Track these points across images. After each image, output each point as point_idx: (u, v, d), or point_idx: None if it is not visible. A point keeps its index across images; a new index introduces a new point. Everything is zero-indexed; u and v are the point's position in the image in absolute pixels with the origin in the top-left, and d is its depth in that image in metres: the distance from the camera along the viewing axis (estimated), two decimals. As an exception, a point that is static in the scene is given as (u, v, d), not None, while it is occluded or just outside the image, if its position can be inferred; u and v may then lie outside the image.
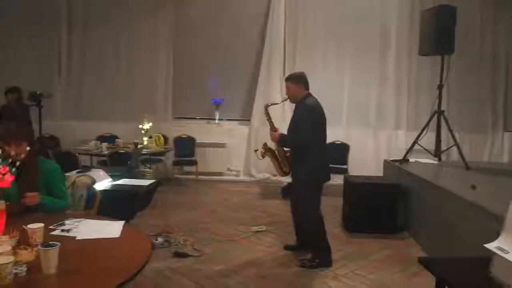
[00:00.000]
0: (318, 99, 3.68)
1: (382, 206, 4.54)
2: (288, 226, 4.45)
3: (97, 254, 1.95)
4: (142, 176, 3.96)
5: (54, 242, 1.71)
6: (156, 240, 3.98)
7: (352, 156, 6.68)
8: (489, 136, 7.09)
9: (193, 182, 6.92)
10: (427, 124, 5.25)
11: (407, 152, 5.40)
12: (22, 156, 2.50)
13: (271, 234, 4.48)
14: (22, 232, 1.94)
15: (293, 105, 3.82)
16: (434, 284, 2.36)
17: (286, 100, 3.97)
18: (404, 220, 4.62)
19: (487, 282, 1.80)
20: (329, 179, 3.79)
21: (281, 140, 3.78)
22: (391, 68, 7.09)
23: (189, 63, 7.47)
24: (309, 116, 3.56)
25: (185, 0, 7.39)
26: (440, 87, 5.22)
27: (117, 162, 5.17)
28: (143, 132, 6.30)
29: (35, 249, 1.80)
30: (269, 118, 3.96)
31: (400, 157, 5.44)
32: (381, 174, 5.70)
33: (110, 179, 3.53)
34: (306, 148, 3.56)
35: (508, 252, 1.69)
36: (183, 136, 7.14)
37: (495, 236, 1.86)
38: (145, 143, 6.24)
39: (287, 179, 4.29)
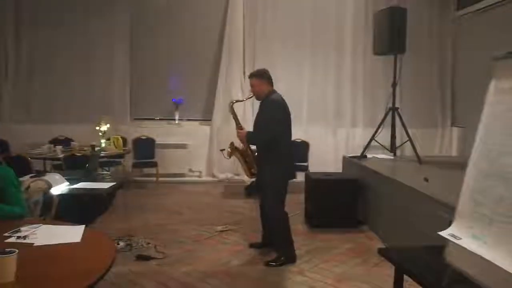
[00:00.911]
0: (279, 98, 3.71)
1: (342, 201, 4.67)
2: (253, 225, 4.48)
3: (57, 260, 1.88)
4: (101, 179, 3.83)
5: (11, 249, 1.63)
6: (118, 244, 3.88)
7: (312, 154, 6.83)
8: (439, 131, 7.47)
9: (154, 184, 6.80)
10: (383, 120, 5.46)
11: (364, 149, 5.59)
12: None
13: (236, 233, 4.49)
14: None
15: (254, 102, 3.81)
16: (393, 272, 2.47)
17: (251, 97, 3.94)
18: (364, 214, 4.78)
19: (442, 267, 1.91)
20: (295, 177, 3.80)
21: (248, 138, 3.74)
22: (347, 67, 7.30)
23: (147, 62, 7.33)
24: (277, 113, 3.55)
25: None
26: (393, 85, 5.45)
27: (73, 166, 4.98)
28: (100, 134, 6.11)
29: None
30: (234, 116, 3.91)
31: (358, 153, 5.62)
32: (341, 170, 5.86)
33: (67, 183, 3.41)
34: (274, 145, 3.54)
35: (461, 239, 1.80)
36: (143, 137, 6.99)
37: (447, 224, 1.97)
38: (103, 145, 6.06)
39: (251, 178, 4.30)
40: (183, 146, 7.21)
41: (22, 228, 2.21)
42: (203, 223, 4.78)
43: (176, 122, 7.33)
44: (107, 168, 6.32)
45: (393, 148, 5.62)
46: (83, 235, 2.15)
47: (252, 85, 3.71)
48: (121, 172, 6.73)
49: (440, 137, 7.47)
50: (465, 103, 7.03)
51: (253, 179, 4.15)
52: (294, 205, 5.14)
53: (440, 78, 7.43)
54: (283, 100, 3.64)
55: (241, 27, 7.22)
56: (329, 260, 3.76)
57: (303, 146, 6.77)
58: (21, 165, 4.54)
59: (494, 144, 1.76)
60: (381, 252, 2.58)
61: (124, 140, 6.59)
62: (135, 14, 7.29)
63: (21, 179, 3.02)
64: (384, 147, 5.61)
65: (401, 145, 5.87)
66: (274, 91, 3.68)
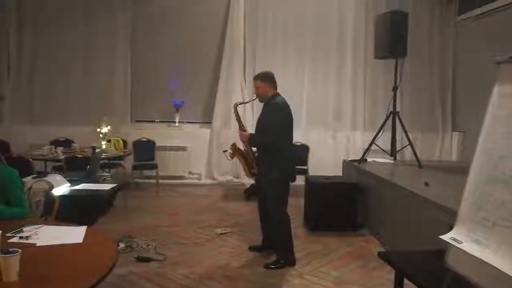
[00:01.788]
0: (280, 101, 3.71)
1: (342, 205, 4.67)
2: (252, 227, 4.48)
3: (60, 261, 1.89)
4: (102, 181, 3.84)
5: (15, 249, 1.64)
6: (118, 245, 3.87)
7: (312, 157, 6.83)
8: (439, 136, 7.47)
9: (154, 186, 6.80)
10: (383, 124, 5.47)
11: (365, 152, 5.60)
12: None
13: (235, 235, 4.49)
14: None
15: (255, 104, 3.81)
16: (393, 276, 2.47)
17: (254, 99, 3.94)
18: (363, 217, 4.78)
19: (442, 271, 1.91)
20: (295, 179, 3.82)
21: (250, 140, 3.74)
22: (348, 70, 7.32)
23: (148, 64, 7.35)
24: (280, 116, 3.56)
25: (144, -2, 7.28)
26: (394, 89, 5.46)
27: (74, 167, 4.99)
28: (101, 136, 6.12)
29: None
30: (238, 118, 3.91)
31: (358, 157, 5.63)
32: (341, 174, 5.87)
33: (68, 184, 3.42)
34: (276, 148, 3.55)
35: (462, 243, 1.80)
36: (143, 139, 6.99)
37: (448, 229, 1.97)
38: (104, 147, 6.06)
39: (250, 181, 4.30)
40: (183, 149, 7.22)
41: (24, 229, 2.22)
42: (203, 226, 4.78)
43: (177, 124, 7.34)
44: (107, 170, 6.32)
45: (393, 152, 5.62)
46: (85, 236, 2.16)
47: (256, 87, 3.70)
48: (122, 174, 6.73)
49: (440, 142, 7.47)
50: (466, 107, 7.05)
51: (253, 182, 4.14)
52: (293, 208, 5.12)
53: (440, 82, 7.45)
54: (287, 104, 3.65)
55: (242, 30, 7.25)
56: (328, 264, 3.76)
57: (303, 150, 6.78)
58: (23, 166, 4.53)
59: (495, 148, 1.77)
60: (381, 255, 2.59)
61: (125, 142, 6.60)
62: (136, 15, 7.31)
63: (23, 180, 3.03)
64: (384, 151, 5.61)
65: (402, 149, 5.88)
66: (278, 94, 3.69)
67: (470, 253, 1.72)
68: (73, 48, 7.18)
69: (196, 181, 7.28)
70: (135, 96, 7.37)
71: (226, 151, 3.98)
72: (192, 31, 7.32)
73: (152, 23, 7.30)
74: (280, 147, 3.56)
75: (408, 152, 5.85)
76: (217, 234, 4.50)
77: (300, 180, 5.71)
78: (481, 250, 1.69)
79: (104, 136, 6.14)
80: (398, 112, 5.51)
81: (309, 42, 7.28)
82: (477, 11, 6.58)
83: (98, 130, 6.12)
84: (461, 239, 1.82)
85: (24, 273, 1.64)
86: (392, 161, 5.65)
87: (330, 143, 7.33)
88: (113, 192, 3.62)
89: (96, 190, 3.42)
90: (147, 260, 3.68)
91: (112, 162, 6.49)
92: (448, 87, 7.47)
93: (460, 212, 1.91)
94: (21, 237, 2.10)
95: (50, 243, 2.05)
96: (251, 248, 4.03)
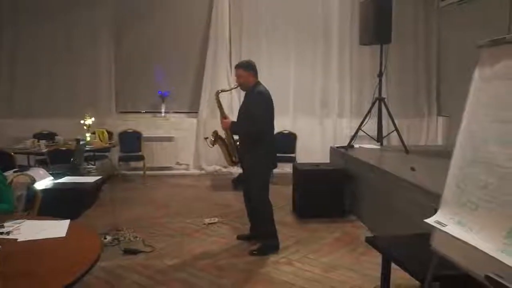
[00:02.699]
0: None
1: (330, 192, 4.69)
2: (241, 217, 4.48)
3: (42, 255, 1.85)
4: (87, 173, 3.79)
5: (-6, 245, 1.60)
6: (105, 238, 3.84)
7: (299, 145, 6.83)
8: (425, 121, 7.53)
9: (141, 177, 6.74)
10: (369, 111, 5.48)
11: (351, 139, 5.62)
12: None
13: (224, 225, 4.48)
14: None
15: (241, 93, 3.82)
16: (381, 261, 2.50)
17: (236, 87, 3.97)
18: (351, 203, 4.81)
19: (428, 254, 1.93)
20: (276, 166, 3.90)
21: (233, 128, 3.77)
22: (334, 57, 7.29)
23: (132, 53, 7.22)
24: (263, 104, 3.59)
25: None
26: (380, 75, 5.47)
27: (58, 160, 4.91)
28: (85, 128, 6.02)
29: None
30: (220, 105, 3.93)
31: (345, 143, 5.64)
32: (328, 161, 5.89)
33: (52, 178, 3.35)
34: (259, 136, 3.59)
35: (446, 225, 1.82)
36: (129, 130, 6.91)
37: (433, 212, 1.98)
38: (88, 139, 5.97)
39: (238, 170, 4.29)
40: (170, 139, 7.15)
41: (5, 224, 2.17)
42: (191, 216, 4.76)
43: (163, 114, 7.26)
44: (92, 162, 6.24)
45: (380, 138, 5.65)
46: (68, 229, 2.12)
47: (238, 76, 3.73)
48: (108, 166, 6.65)
49: (426, 127, 7.53)
50: (450, 92, 7.11)
51: (241, 171, 4.14)
52: (281, 196, 5.16)
53: (425, 68, 7.48)
54: (269, 93, 3.67)
55: (227, 18, 7.15)
56: (317, 250, 3.78)
57: (291, 137, 6.77)
58: (4, 160, 4.46)
59: (477, 131, 1.78)
60: (368, 240, 2.62)
61: (110, 134, 6.51)
62: (120, 4, 7.15)
63: (4, 174, 2.97)
64: (371, 137, 5.64)
65: (388, 135, 5.91)
66: (259, 83, 3.72)
67: (454, 235, 1.73)
68: (54, 38, 7.01)
69: (183, 171, 7.24)
70: (119, 87, 7.25)
71: (208, 138, 3.99)
72: (177, 19, 7.20)
73: (136, 12, 7.15)
74: (263, 135, 3.60)
75: (394, 137, 5.88)
76: (205, 224, 4.48)
77: (288, 168, 5.75)
78: (464, 232, 1.70)
79: (88, 128, 6.04)
80: (384, 98, 5.53)
81: (294, 29, 7.22)
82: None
83: (82, 122, 6.02)
84: (445, 222, 1.84)
85: (4, 269, 1.60)
86: (379, 147, 5.68)
87: (317, 130, 7.33)
88: (98, 185, 3.57)
89: (80, 183, 3.37)
90: (135, 252, 3.65)
91: (98, 154, 6.40)
92: (432, 72, 7.50)
93: (444, 195, 1.92)
94: (1, 233, 2.05)
95: (32, 238, 2.01)
96: (239, 237, 4.04)
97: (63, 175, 3.53)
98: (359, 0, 6.23)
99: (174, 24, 7.20)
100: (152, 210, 5.04)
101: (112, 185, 5.67)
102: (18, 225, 2.18)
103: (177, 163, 7.26)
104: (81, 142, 5.43)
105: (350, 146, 5.55)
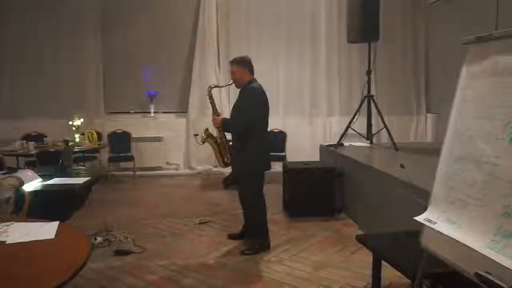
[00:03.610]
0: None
1: (320, 190, 4.70)
2: (231, 216, 4.48)
3: (31, 258, 1.83)
4: (76, 174, 3.75)
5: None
6: (95, 239, 3.81)
7: (289, 143, 6.86)
8: (414, 118, 7.59)
9: (131, 178, 6.70)
10: (358, 108, 5.51)
11: (341, 137, 5.64)
12: None
13: (215, 224, 4.47)
14: None
15: (231, 90, 3.76)
16: (372, 259, 2.51)
17: (230, 84, 3.83)
18: (341, 201, 4.84)
19: (418, 252, 1.95)
20: (270, 167, 3.79)
21: (224, 125, 3.70)
22: (322, 56, 7.31)
23: (120, 54, 7.16)
24: (255, 98, 3.52)
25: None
26: (368, 73, 5.50)
27: (47, 162, 4.85)
28: (74, 129, 5.96)
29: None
30: (212, 101, 3.83)
31: (335, 141, 5.67)
32: (318, 159, 5.91)
33: (40, 179, 3.31)
34: (250, 133, 3.51)
35: (436, 223, 1.83)
36: (118, 131, 6.86)
37: (423, 210, 2.00)
38: (77, 140, 5.92)
39: (229, 169, 4.27)
40: (159, 139, 7.12)
41: (-8, 227, 2.14)
42: (182, 216, 4.74)
43: (152, 115, 7.21)
44: (82, 164, 6.18)
45: (369, 136, 5.69)
46: (57, 231, 2.10)
47: (232, 72, 3.63)
48: (97, 167, 6.60)
49: (415, 124, 7.60)
50: (439, 89, 7.17)
51: (231, 171, 4.11)
52: (271, 195, 5.14)
53: (414, 65, 7.53)
54: (263, 90, 3.61)
55: (215, 16, 7.12)
56: (308, 249, 3.79)
57: (280, 136, 6.80)
58: (-8, 162, 4.39)
59: (466, 128, 1.79)
60: (359, 238, 2.63)
61: (99, 135, 6.46)
62: (106, 4, 7.08)
63: (-9, 176, 2.92)
64: (360, 135, 5.67)
65: (377, 132, 5.95)
66: (254, 80, 3.64)
67: (444, 232, 1.75)
68: (41, 38, 6.92)
69: (174, 171, 7.21)
70: (108, 87, 7.19)
71: (197, 135, 3.89)
72: (165, 18, 7.17)
73: (123, 11, 7.10)
74: (255, 133, 3.53)
75: (384, 135, 5.92)
76: (195, 224, 4.47)
77: (278, 167, 5.75)
78: (454, 229, 1.72)
79: (77, 129, 5.99)
80: (373, 96, 5.56)
81: (283, 27, 7.22)
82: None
83: (71, 123, 5.96)
84: (435, 219, 1.85)
85: (-8, 272, 1.58)
86: (369, 145, 5.72)
87: (307, 129, 7.35)
88: (87, 186, 3.53)
89: (69, 184, 3.32)
90: (126, 253, 3.63)
91: (87, 156, 6.35)
92: (421, 69, 7.56)
93: (433, 193, 1.94)
94: (-11, 236, 2.02)
95: (20, 240, 1.98)
96: (231, 237, 4.02)
97: (52, 176, 3.48)
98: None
99: (162, 24, 7.16)
100: (142, 210, 5.01)
101: (102, 186, 5.62)
102: (6, 227, 2.14)
103: (167, 163, 7.23)
104: (69, 143, 5.38)
105: (339, 144, 5.58)
